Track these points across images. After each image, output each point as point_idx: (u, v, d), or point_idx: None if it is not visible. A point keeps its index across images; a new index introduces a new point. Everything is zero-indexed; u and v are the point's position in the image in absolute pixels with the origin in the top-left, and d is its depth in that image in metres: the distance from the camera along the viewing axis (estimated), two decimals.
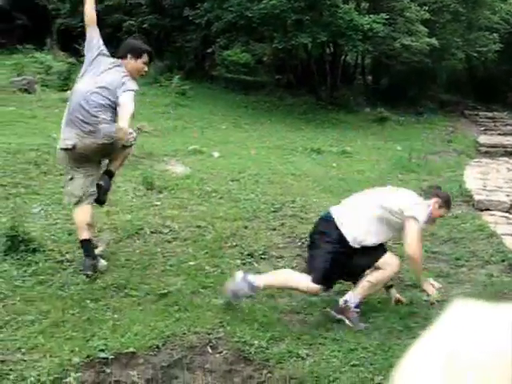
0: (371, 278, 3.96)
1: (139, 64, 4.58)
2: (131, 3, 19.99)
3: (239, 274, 3.97)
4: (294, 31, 15.21)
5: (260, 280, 3.97)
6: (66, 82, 13.68)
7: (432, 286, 4.13)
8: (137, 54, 4.57)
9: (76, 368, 3.16)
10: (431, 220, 4.24)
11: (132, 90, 4.30)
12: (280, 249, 5.39)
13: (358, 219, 4.00)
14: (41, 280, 4.30)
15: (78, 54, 17.54)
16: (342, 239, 3.94)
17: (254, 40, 20.24)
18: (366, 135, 14.62)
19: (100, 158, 4.63)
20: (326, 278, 3.95)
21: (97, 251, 4.89)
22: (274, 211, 6.52)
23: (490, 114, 19.65)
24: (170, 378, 3.18)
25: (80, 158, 4.40)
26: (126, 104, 4.16)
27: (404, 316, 4.09)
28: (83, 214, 4.47)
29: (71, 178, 4.48)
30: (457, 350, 0.54)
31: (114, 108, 4.28)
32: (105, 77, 4.38)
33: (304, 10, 14.88)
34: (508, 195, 8.20)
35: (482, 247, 5.71)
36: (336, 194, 7.55)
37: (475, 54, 19.85)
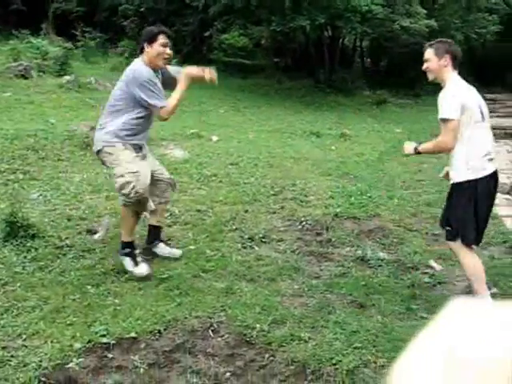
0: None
1: (156, 48, 4.19)
2: None
3: None
4: (291, 14, 15.10)
5: None
6: (62, 67, 13.60)
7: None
8: (151, 39, 4.21)
9: (78, 353, 3.15)
10: None
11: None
12: (280, 232, 5.37)
13: None
14: (41, 266, 4.28)
15: (75, 39, 17.52)
16: None
17: (252, 23, 20.07)
18: (364, 118, 14.57)
19: None
20: None
21: (96, 236, 4.88)
22: (273, 194, 6.50)
23: (491, 96, 19.53)
24: (172, 362, 3.17)
25: None
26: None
27: (405, 298, 4.08)
28: None
29: None
30: (456, 347, 0.53)
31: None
32: None
33: None
34: (509, 177, 8.17)
35: None
36: (335, 177, 7.54)
37: (474, 36, 19.76)
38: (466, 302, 0.60)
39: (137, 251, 4.33)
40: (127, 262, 4.21)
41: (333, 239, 5.23)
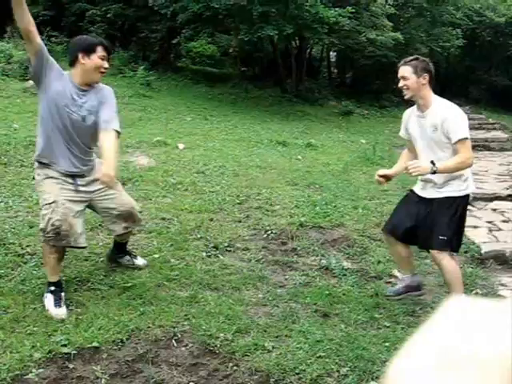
0: None
1: (95, 60, 3.74)
2: None
3: None
4: (259, 23, 15.17)
5: None
6: (27, 71, 13.38)
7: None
8: (88, 50, 3.73)
9: (37, 364, 3.09)
10: None
11: None
12: (245, 241, 5.37)
13: None
14: (1, 274, 4.19)
15: None
16: None
17: (220, 32, 20.14)
18: (330, 128, 14.70)
19: None
20: None
21: None
22: (239, 203, 6.50)
23: None
24: (135, 372, 3.13)
25: None
26: None
27: (369, 307, 4.12)
28: None
29: None
30: (453, 346, 0.53)
31: None
32: None
33: (270, 2, 14.85)
34: None
35: None
36: (301, 186, 7.58)
37: (439, 49, 20.17)
38: (462, 300, 0.60)
39: (62, 294, 3.81)
40: (48, 300, 3.75)
41: (297, 248, 5.26)
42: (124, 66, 16.97)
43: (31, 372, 3.02)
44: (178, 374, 3.13)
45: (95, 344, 3.30)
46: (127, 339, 3.40)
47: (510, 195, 7.92)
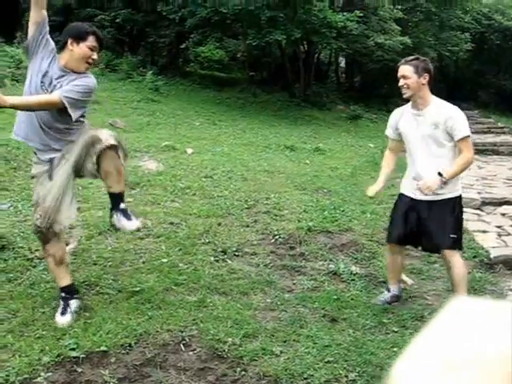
0: None
1: (83, 49, 3.57)
2: None
3: None
4: (268, 28, 15.21)
5: None
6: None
7: None
8: (79, 37, 3.57)
9: (46, 367, 3.10)
10: None
11: None
12: (254, 245, 5.36)
13: None
14: (10, 278, 4.21)
15: None
16: None
17: (228, 36, 20.20)
18: (339, 132, 14.70)
19: None
20: None
21: (67, 248, 4.81)
22: (247, 208, 6.50)
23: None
24: (143, 376, 3.14)
25: None
26: None
27: (377, 312, 4.11)
28: None
29: None
30: (455, 347, 0.53)
31: None
32: None
33: (278, 7, 14.89)
34: (479, 193, 8.31)
35: None
36: (309, 191, 7.57)
37: (447, 53, 20.16)
38: (464, 301, 0.60)
39: (71, 301, 3.76)
40: (59, 308, 3.74)
41: (306, 253, 5.25)
42: (132, 70, 17.06)
43: (40, 376, 3.03)
44: (187, 379, 3.13)
45: (103, 348, 3.31)
46: (135, 343, 3.41)
47: None
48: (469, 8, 20.16)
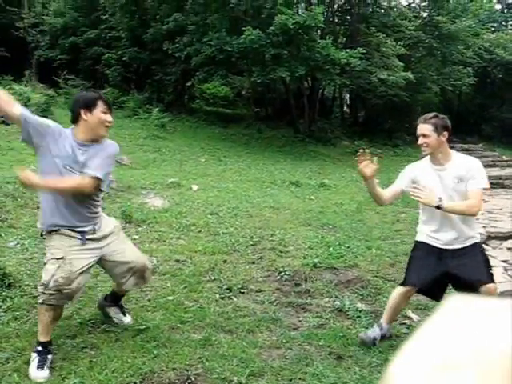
0: None
1: (97, 115, 3.64)
2: (111, 36, 20.15)
3: None
4: (272, 65, 15.43)
5: None
6: (44, 113, 13.64)
7: None
8: (89, 105, 3.63)
9: None
10: None
11: None
12: (259, 282, 5.37)
13: None
14: (16, 316, 4.23)
15: (57, 86, 17.68)
16: None
17: (233, 73, 20.48)
18: (344, 168, 14.76)
19: None
20: None
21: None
22: (252, 244, 6.52)
23: (465, 146, 20.05)
24: None
25: None
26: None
27: (384, 350, 4.09)
28: None
29: None
30: (454, 345, 0.53)
31: None
32: None
33: (282, 45, 15.13)
34: (485, 227, 8.30)
35: None
36: (314, 227, 7.59)
37: (450, 88, 20.36)
38: (463, 300, 0.60)
39: (49, 356, 3.62)
40: (31, 361, 3.57)
41: (311, 290, 5.25)
42: (139, 107, 17.28)
43: None
44: None
45: None
46: (141, 382, 3.40)
47: None
48: (470, 43, 20.41)
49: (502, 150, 20.12)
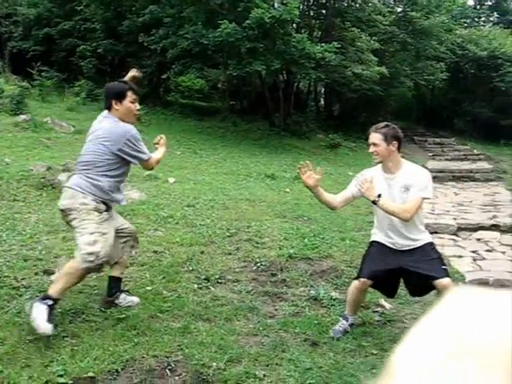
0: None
1: (126, 105, 4.15)
2: (85, 28, 19.98)
3: None
4: (248, 59, 15.47)
5: None
6: (18, 106, 13.57)
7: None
8: (120, 96, 4.13)
9: None
10: None
11: None
12: (236, 273, 5.48)
13: None
14: None
15: (31, 78, 17.49)
16: None
17: (209, 66, 20.47)
18: (318, 161, 14.88)
19: None
20: None
21: (53, 277, 4.88)
22: (229, 236, 6.62)
23: (438, 140, 20.36)
24: None
25: None
26: None
27: (357, 336, 4.23)
28: None
29: None
30: (455, 335, 0.54)
31: None
32: None
33: (258, 39, 15.18)
34: (455, 218, 8.53)
35: None
36: (290, 219, 7.72)
37: (423, 82, 20.61)
38: (464, 291, 0.60)
39: (54, 311, 3.92)
40: (42, 311, 3.75)
41: (287, 280, 5.37)
42: None
43: None
44: None
45: (91, 374, 3.38)
46: (122, 369, 3.49)
47: (493, 225, 8.10)
48: (444, 38, 20.66)
49: (474, 143, 20.45)
